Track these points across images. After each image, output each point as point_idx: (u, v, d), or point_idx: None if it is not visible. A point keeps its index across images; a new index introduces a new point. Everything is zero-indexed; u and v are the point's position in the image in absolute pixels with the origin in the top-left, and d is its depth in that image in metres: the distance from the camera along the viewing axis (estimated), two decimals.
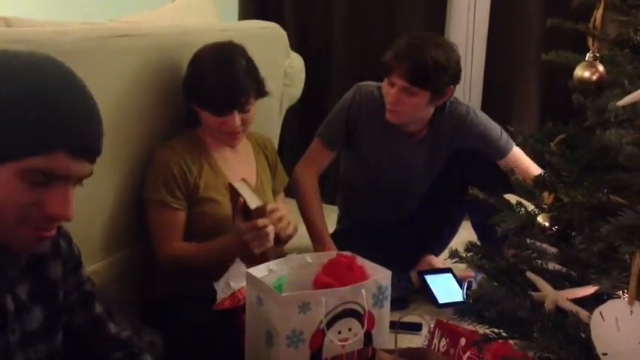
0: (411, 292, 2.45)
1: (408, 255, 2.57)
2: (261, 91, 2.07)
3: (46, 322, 1.22)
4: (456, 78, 2.32)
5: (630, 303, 0.89)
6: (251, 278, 1.74)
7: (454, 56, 2.29)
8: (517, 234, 1.26)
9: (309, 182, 2.45)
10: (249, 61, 2.04)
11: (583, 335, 0.99)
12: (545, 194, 1.20)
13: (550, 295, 1.12)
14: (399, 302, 2.22)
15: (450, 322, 1.69)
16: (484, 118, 2.46)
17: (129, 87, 1.92)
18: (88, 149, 1.05)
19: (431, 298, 2.41)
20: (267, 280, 1.76)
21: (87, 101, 1.06)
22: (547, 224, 1.18)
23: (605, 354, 0.92)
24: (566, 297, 1.11)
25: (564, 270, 1.21)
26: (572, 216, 1.01)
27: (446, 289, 2.43)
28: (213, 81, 1.96)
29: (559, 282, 1.17)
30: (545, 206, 1.19)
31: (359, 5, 3.21)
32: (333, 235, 2.48)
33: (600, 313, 0.94)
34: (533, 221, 1.21)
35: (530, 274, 1.18)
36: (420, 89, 2.27)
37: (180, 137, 2.07)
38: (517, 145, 2.38)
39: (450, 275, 2.51)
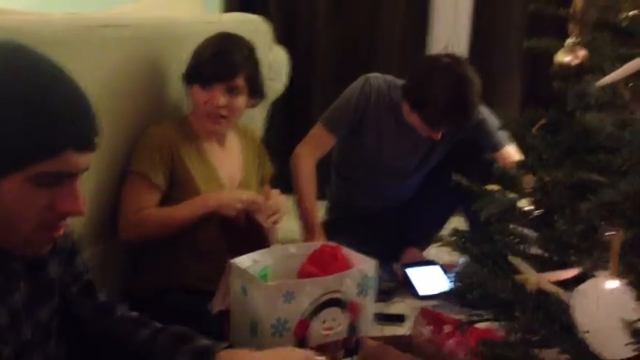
0: (394, 285, 2.47)
1: (393, 247, 2.59)
2: (255, 86, 2.08)
3: (45, 325, 1.20)
4: None
5: (610, 280, 0.90)
6: (236, 268, 1.75)
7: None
8: (499, 220, 1.27)
9: (309, 167, 2.45)
10: (251, 52, 2.07)
11: (565, 315, 1.00)
12: (527, 179, 1.21)
13: (532, 277, 1.13)
14: (382, 294, 2.23)
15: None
16: (485, 111, 2.47)
17: (111, 77, 1.91)
18: (91, 140, 1.04)
19: (412, 290, 2.43)
20: (252, 270, 1.76)
21: (78, 90, 1.04)
22: (529, 208, 1.20)
23: (587, 332, 0.93)
24: (548, 279, 1.12)
25: (546, 254, 1.22)
26: (553, 196, 1.02)
27: (429, 281, 2.45)
28: (206, 53, 2.00)
29: (541, 266, 1.18)
30: (527, 191, 1.21)
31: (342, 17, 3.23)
32: (322, 225, 2.49)
33: (581, 291, 0.95)
34: (514, 206, 1.22)
35: (512, 258, 1.18)
36: None
37: (172, 120, 2.08)
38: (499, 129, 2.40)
39: (434, 267, 2.52)
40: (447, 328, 1.57)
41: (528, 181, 1.21)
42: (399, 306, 2.33)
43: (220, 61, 1.99)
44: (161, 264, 2.03)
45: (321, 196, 2.79)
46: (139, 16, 2.23)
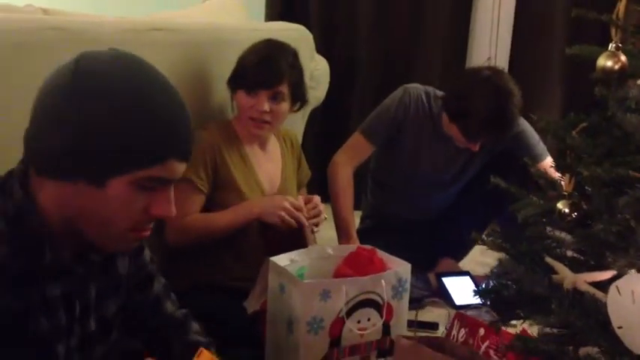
0: (427, 294, 2.48)
1: (428, 257, 2.61)
2: (298, 93, 2.13)
3: (110, 319, 1.26)
4: None
5: None
6: (274, 266, 1.78)
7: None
8: (537, 222, 1.29)
9: (347, 175, 2.48)
10: (295, 60, 2.11)
11: (600, 313, 1.02)
12: (566, 181, 1.23)
13: (569, 277, 1.15)
14: (415, 302, 2.25)
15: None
16: (524, 123, 2.48)
17: None
18: (190, 151, 1.11)
19: (448, 299, 2.43)
20: (289, 269, 1.80)
21: (183, 103, 1.10)
22: (567, 210, 1.21)
23: (621, 327, 0.95)
24: (584, 280, 1.14)
25: (582, 257, 1.24)
26: (591, 193, 1.04)
27: (463, 291, 2.46)
28: (252, 59, 2.05)
29: (577, 268, 1.20)
30: (566, 193, 1.23)
31: (384, 8, 3.26)
32: (357, 233, 2.51)
33: (617, 287, 0.97)
34: (552, 209, 1.25)
35: (549, 259, 1.21)
36: None
37: (217, 123, 2.13)
38: (539, 131, 2.40)
39: (467, 278, 2.53)
40: (481, 332, 1.58)
41: (567, 183, 1.23)
42: (432, 314, 2.34)
43: (266, 68, 2.03)
44: (199, 262, 2.07)
45: (356, 205, 2.83)
46: (187, 22, 2.29)
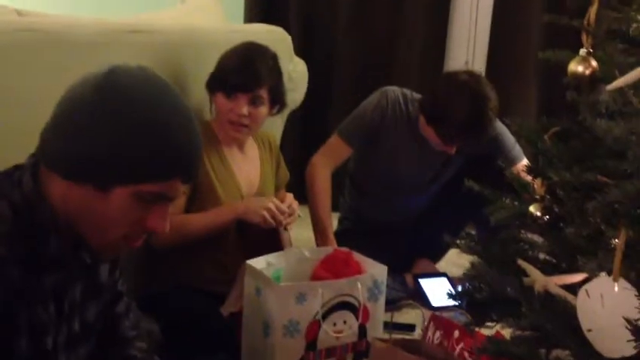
0: (404, 295, 2.49)
1: (405, 258, 2.62)
2: (277, 97, 2.12)
3: (91, 323, 1.27)
4: None
5: (615, 279, 0.93)
6: (250, 270, 1.78)
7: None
8: (510, 225, 1.30)
9: (324, 176, 2.49)
10: (274, 63, 2.11)
11: (570, 316, 1.03)
12: (537, 185, 1.25)
13: (539, 280, 1.16)
14: (392, 304, 2.25)
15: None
16: (501, 126, 2.50)
17: None
18: (196, 174, 1.18)
19: (424, 301, 2.44)
20: (266, 272, 1.80)
21: (197, 130, 1.17)
22: (539, 214, 1.23)
23: (590, 330, 0.96)
24: (555, 282, 1.15)
25: (554, 260, 1.25)
26: (561, 197, 1.05)
27: (440, 293, 2.46)
28: (231, 62, 2.04)
29: (549, 271, 1.21)
30: (538, 197, 1.24)
31: (362, 10, 3.27)
32: (335, 235, 2.52)
33: (586, 290, 0.98)
34: (525, 212, 1.26)
35: (521, 262, 1.21)
36: None
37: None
38: (513, 135, 2.42)
39: (445, 279, 2.55)
40: (456, 334, 1.59)
41: (539, 187, 1.24)
42: (408, 316, 2.34)
43: (245, 72, 2.03)
44: (176, 265, 2.06)
45: (334, 207, 2.83)
46: (164, 23, 2.28)
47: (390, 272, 1.95)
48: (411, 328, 2.21)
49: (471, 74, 2.40)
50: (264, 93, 2.05)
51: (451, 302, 2.31)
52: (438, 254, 2.71)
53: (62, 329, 1.18)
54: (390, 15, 3.26)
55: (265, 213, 2.00)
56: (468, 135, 2.34)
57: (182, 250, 2.04)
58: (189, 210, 2.06)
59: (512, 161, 2.44)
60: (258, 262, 1.81)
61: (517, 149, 2.50)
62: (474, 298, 1.17)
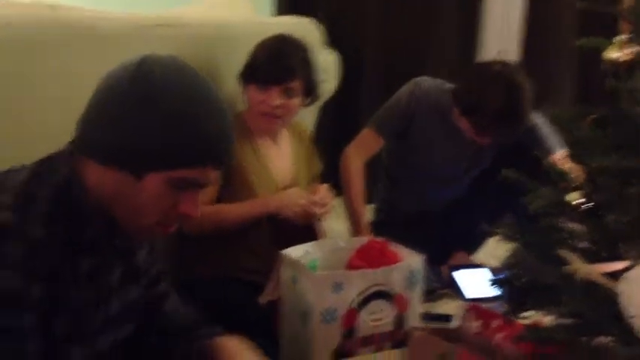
0: (441, 286, 2.49)
1: (441, 249, 2.61)
2: (310, 88, 2.14)
3: (129, 307, 1.32)
4: None
5: None
6: (287, 259, 1.80)
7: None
8: (548, 214, 1.30)
9: (357, 167, 2.49)
10: (307, 55, 2.12)
11: (612, 304, 1.03)
12: (577, 173, 1.24)
13: (581, 268, 1.16)
14: (429, 295, 2.26)
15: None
16: (537, 115, 2.47)
17: None
18: (228, 162, 1.21)
19: (459, 293, 2.44)
20: (302, 261, 1.81)
21: (229, 118, 1.21)
22: (578, 202, 1.23)
23: (633, 317, 0.96)
24: (597, 271, 1.15)
25: (594, 248, 1.25)
26: (601, 185, 1.05)
27: (476, 285, 2.46)
28: (263, 54, 2.06)
29: (589, 259, 1.21)
30: (576, 185, 1.24)
31: (394, 1, 3.26)
32: (370, 226, 2.53)
33: (628, 277, 0.98)
34: (563, 200, 1.26)
35: (561, 251, 1.21)
36: None
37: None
38: (549, 122, 2.40)
39: (480, 271, 2.54)
40: (495, 323, 1.59)
41: (578, 175, 1.24)
42: (447, 306, 2.34)
43: (277, 64, 2.04)
44: (213, 255, 2.09)
45: (368, 199, 2.84)
46: (195, 17, 2.30)
47: (426, 263, 1.95)
48: (447, 318, 2.21)
49: (504, 64, 2.37)
50: (296, 85, 2.07)
51: (487, 294, 2.36)
52: (474, 246, 2.69)
53: (100, 311, 1.22)
54: (423, 4, 3.24)
55: (298, 209, 2.02)
56: (503, 125, 2.31)
57: (217, 239, 2.07)
58: (222, 201, 2.09)
59: (548, 151, 2.41)
60: (294, 251, 1.83)
61: (553, 139, 2.47)
62: (513, 287, 1.17)
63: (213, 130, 1.15)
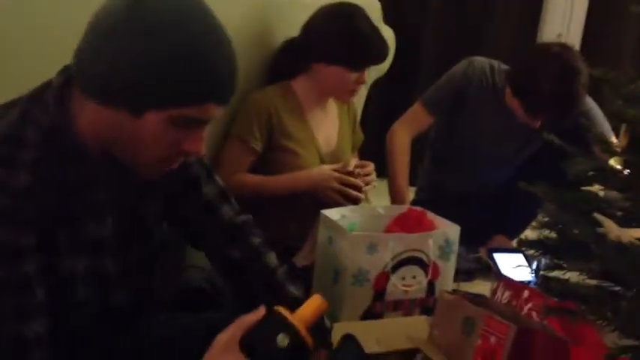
0: (478, 268, 2.47)
1: (482, 232, 2.59)
2: None
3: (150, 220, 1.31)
4: None
5: None
6: (325, 219, 1.81)
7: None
8: (587, 179, 1.28)
9: (404, 141, 2.49)
10: (375, 24, 2.13)
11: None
12: (621, 137, 1.22)
13: (614, 230, 1.14)
14: (465, 274, 2.25)
15: None
16: (591, 102, 2.44)
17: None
18: (230, 97, 1.15)
19: (497, 274, 2.42)
20: (340, 223, 1.82)
21: (231, 50, 1.13)
22: (619, 167, 1.21)
23: None
24: (631, 234, 1.13)
25: (630, 216, 1.22)
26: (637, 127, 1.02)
27: (515, 268, 2.44)
28: (356, 36, 2.05)
29: (625, 226, 1.19)
30: (619, 149, 1.22)
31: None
32: (411, 204, 2.52)
33: None
34: (604, 166, 1.24)
35: (596, 214, 1.20)
36: None
37: (276, 86, 2.17)
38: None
39: (520, 255, 2.51)
40: (525, 294, 1.58)
41: (621, 138, 1.22)
42: (480, 287, 2.33)
43: (375, 48, 2.07)
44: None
45: (412, 180, 2.83)
46: None
47: (465, 244, 1.94)
48: (480, 297, 2.20)
49: (563, 46, 2.33)
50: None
51: (524, 278, 2.33)
52: (515, 231, 2.66)
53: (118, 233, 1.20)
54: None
55: (335, 184, 2.06)
56: (555, 109, 2.28)
57: (256, 204, 2.10)
58: (266, 167, 2.12)
59: (600, 137, 2.36)
60: (333, 213, 1.84)
61: (606, 126, 2.42)
62: (545, 245, 1.16)
63: (215, 66, 1.09)
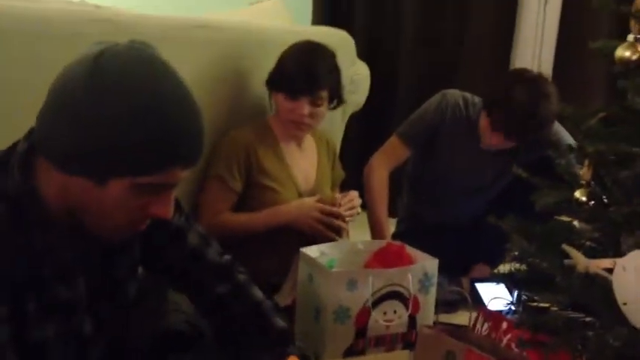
0: (460, 298, 2.48)
1: (463, 262, 2.61)
2: (336, 94, 2.18)
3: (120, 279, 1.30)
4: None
5: None
6: (304, 257, 1.83)
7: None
8: (555, 212, 1.31)
9: (382, 175, 2.51)
10: (333, 62, 2.16)
11: (607, 293, 1.03)
12: (584, 170, 1.25)
13: (582, 262, 1.16)
14: (446, 305, 2.26)
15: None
16: (563, 131, 2.48)
17: (203, 76, 2.05)
18: (198, 159, 1.11)
19: (480, 305, 2.43)
20: (319, 261, 1.84)
21: (195, 109, 1.09)
22: (584, 198, 1.24)
23: (625, 304, 0.96)
24: (597, 265, 1.15)
25: (600, 248, 1.25)
26: (602, 173, 1.06)
27: (497, 298, 2.45)
28: (292, 64, 2.10)
29: (591, 256, 1.22)
30: (583, 182, 1.25)
31: (429, 18, 3.30)
32: (392, 237, 2.54)
33: (622, 265, 0.98)
34: (570, 198, 1.27)
35: (564, 246, 1.22)
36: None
37: (252, 124, 2.20)
38: (561, 119, 2.38)
39: (501, 285, 2.52)
40: (504, 325, 1.60)
41: (585, 172, 1.25)
42: (463, 318, 2.34)
43: (307, 76, 2.08)
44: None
45: (392, 212, 2.85)
46: (229, 20, 2.37)
47: (446, 275, 1.95)
48: (461, 328, 2.21)
49: (539, 74, 2.40)
50: (324, 93, 2.11)
51: (506, 307, 2.34)
52: (496, 260, 2.69)
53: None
54: (457, 17, 3.27)
55: (314, 223, 2.07)
56: (519, 126, 2.30)
57: (236, 242, 2.11)
58: (245, 204, 2.13)
59: None
60: (312, 251, 1.86)
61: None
62: (515, 278, 1.18)
63: (178, 130, 1.05)
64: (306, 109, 2.09)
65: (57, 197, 1.10)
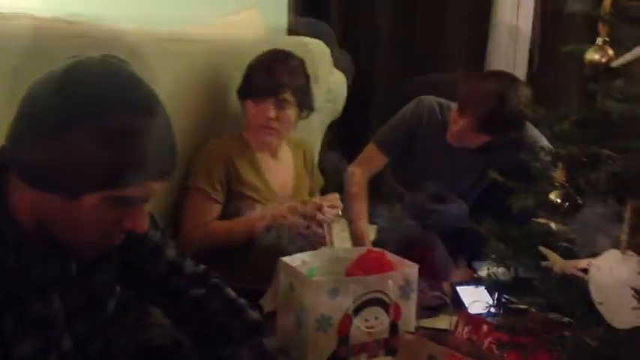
0: (442, 302, 2.49)
1: (443, 265, 2.62)
2: (303, 100, 2.18)
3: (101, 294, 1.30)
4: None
5: (623, 252, 0.95)
6: (285, 266, 1.83)
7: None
8: (531, 214, 1.33)
9: (360, 183, 2.52)
10: (298, 66, 2.18)
11: (584, 293, 1.05)
12: (558, 173, 1.27)
13: (558, 263, 1.18)
14: (428, 310, 2.27)
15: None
16: (538, 135, 2.50)
17: (178, 87, 2.05)
18: (171, 171, 1.11)
19: (461, 308, 2.44)
20: (300, 270, 1.84)
21: (168, 124, 1.09)
22: (559, 200, 1.25)
23: (601, 303, 0.98)
24: (573, 266, 1.17)
25: (575, 249, 1.27)
26: (574, 174, 1.07)
27: (479, 300, 2.46)
28: (257, 69, 2.14)
29: (568, 256, 1.23)
30: (557, 184, 1.27)
31: (402, 25, 3.32)
32: (373, 243, 2.55)
33: (596, 265, 1.00)
34: (546, 200, 1.28)
35: (541, 248, 1.24)
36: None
37: (228, 135, 2.22)
38: (535, 124, 2.41)
39: (483, 288, 2.54)
40: (484, 328, 1.61)
41: (559, 174, 1.27)
42: (444, 322, 2.35)
43: (268, 75, 2.11)
44: (215, 262, 2.12)
45: (370, 220, 2.86)
46: (204, 33, 2.37)
47: (428, 280, 1.96)
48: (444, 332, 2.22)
49: (513, 76, 2.46)
50: (289, 96, 2.13)
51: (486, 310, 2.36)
52: (477, 262, 2.70)
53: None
54: (432, 30, 3.30)
55: (292, 217, 2.08)
56: (485, 122, 2.33)
57: (219, 251, 2.11)
58: (227, 215, 2.14)
59: None
60: (292, 260, 1.86)
61: None
62: (496, 282, 1.19)
63: (151, 145, 1.04)
64: (271, 111, 2.11)
65: (30, 214, 1.09)
